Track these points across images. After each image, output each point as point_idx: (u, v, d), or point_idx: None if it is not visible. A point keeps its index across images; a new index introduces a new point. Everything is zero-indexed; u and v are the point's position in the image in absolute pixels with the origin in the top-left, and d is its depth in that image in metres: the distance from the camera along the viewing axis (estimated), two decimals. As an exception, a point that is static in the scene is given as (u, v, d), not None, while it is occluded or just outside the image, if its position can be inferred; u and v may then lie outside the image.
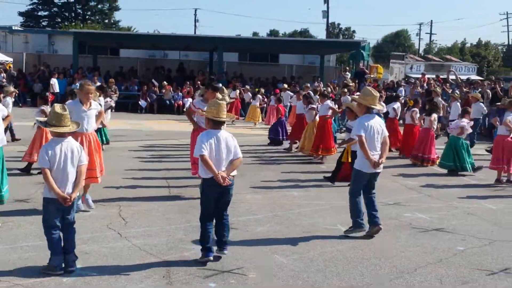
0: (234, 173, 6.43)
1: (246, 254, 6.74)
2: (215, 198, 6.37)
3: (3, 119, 8.47)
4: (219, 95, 9.55)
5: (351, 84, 21.79)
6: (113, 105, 15.67)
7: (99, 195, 9.16)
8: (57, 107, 6.23)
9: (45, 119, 6.51)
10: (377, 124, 7.65)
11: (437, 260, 6.74)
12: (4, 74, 27.24)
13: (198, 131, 9.61)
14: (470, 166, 12.72)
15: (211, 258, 6.38)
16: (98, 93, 11.92)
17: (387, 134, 7.73)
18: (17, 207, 8.53)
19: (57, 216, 6.04)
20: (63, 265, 6.02)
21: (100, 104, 10.79)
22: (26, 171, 11.19)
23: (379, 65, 38.90)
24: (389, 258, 6.80)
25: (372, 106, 7.66)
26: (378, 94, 7.84)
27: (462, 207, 9.54)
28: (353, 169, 7.77)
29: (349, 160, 10.45)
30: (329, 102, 14.34)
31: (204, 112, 6.60)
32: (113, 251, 6.72)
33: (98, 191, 9.28)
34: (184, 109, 27.09)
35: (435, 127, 14.04)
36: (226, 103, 10.67)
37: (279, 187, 10.92)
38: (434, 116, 13.91)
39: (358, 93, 17.64)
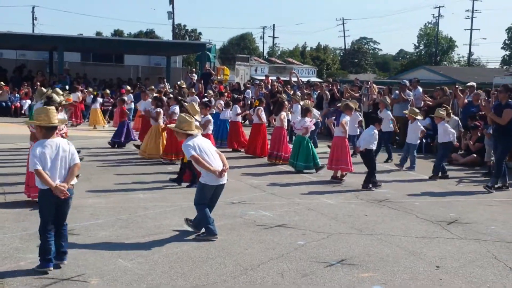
0: (74, 181, 6.18)
1: (88, 260, 6.51)
2: (54, 209, 6.09)
3: None
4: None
5: (183, 86, 21.88)
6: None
7: None
8: None
9: None
10: (204, 142, 7.80)
11: (279, 255, 6.96)
12: None
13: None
14: (313, 164, 13.30)
15: (52, 268, 6.07)
16: None
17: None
18: None
19: None
20: None
21: None
22: None
23: (225, 67, 39.64)
24: (234, 255, 6.91)
25: (189, 132, 7.70)
26: (192, 120, 7.87)
27: (304, 203, 9.96)
28: (199, 183, 7.79)
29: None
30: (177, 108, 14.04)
31: (32, 121, 6.24)
32: None
33: None
34: (23, 111, 25.69)
35: (286, 125, 14.50)
36: (59, 102, 10.28)
37: (124, 190, 10.69)
38: (283, 114, 14.38)
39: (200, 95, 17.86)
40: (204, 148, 7.62)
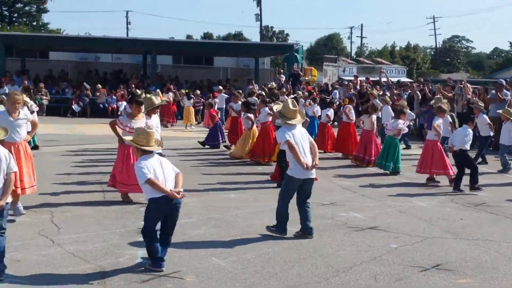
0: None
1: (183, 257, 6.68)
2: (163, 215, 6.31)
3: None
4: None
5: (273, 87, 21.96)
6: (36, 110, 15.08)
7: (30, 201, 8.87)
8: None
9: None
10: (299, 133, 7.74)
11: (371, 258, 6.87)
12: None
13: (123, 145, 9.45)
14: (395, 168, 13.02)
15: (163, 269, 6.22)
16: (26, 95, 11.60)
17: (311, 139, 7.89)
18: None
19: None
20: None
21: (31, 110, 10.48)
22: None
23: (313, 67, 39.49)
24: (325, 257, 6.89)
25: (290, 122, 7.67)
26: (297, 109, 7.89)
27: (395, 206, 9.78)
28: (286, 175, 7.81)
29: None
30: (267, 109, 14.11)
31: (131, 141, 6.48)
32: (46, 259, 6.52)
33: (29, 197, 8.97)
34: (119, 113, 26.69)
35: (375, 128, 14.30)
36: (158, 104, 10.61)
37: (215, 189, 10.90)
38: (374, 117, 14.18)
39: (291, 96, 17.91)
40: (297, 139, 7.63)
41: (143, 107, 9.78)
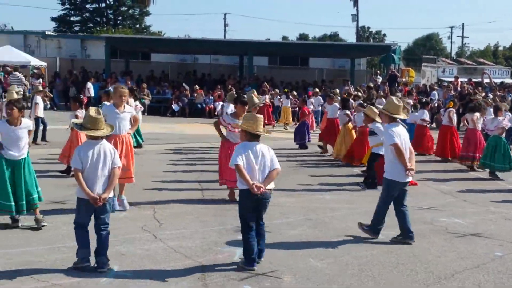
0: (271, 185, 6.41)
1: (280, 257, 6.73)
2: (251, 209, 6.35)
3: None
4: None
5: (372, 86, 21.63)
6: (142, 109, 15.78)
7: (134, 197, 9.23)
8: (92, 111, 6.34)
9: (80, 120, 6.65)
10: (404, 133, 7.68)
11: (474, 266, 6.63)
12: (41, 79, 27.67)
13: (226, 143, 9.63)
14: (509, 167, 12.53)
15: (255, 268, 6.29)
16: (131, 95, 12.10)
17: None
18: (55, 207, 8.67)
19: (88, 215, 6.19)
20: (95, 265, 6.13)
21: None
22: (66, 172, 11.34)
23: (410, 68, 38.58)
24: (425, 263, 6.72)
25: (395, 115, 7.66)
26: (401, 105, 7.83)
27: (500, 212, 9.38)
28: (385, 179, 7.68)
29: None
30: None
31: (241, 125, 6.62)
32: (148, 253, 6.77)
33: (133, 193, 9.36)
34: (216, 113, 27.27)
35: (479, 126, 13.79)
36: (256, 105, 10.76)
37: (311, 190, 10.90)
38: (477, 115, 13.68)
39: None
40: (401, 140, 7.52)
41: (247, 107, 9.92)
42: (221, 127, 9.89)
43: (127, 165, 8.55)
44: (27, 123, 7.78)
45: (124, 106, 8.73)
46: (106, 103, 11.59)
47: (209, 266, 6.41)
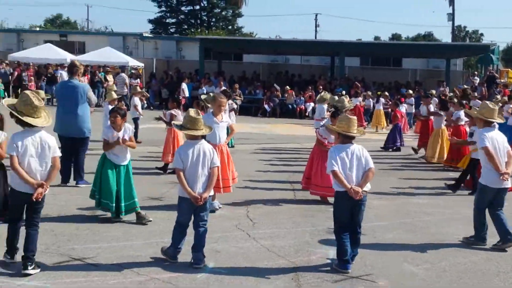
0: (367, 187, 6.33)
1: (375, 260, 6.64)
2: (347, 211, 6.30)
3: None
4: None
5: (467, 87, 20.86)
6: (235, 107, 16.07)
7: (227, 196, 9.37)
8: (192, 111, 6.51)
9: (180, 122, 6.83)
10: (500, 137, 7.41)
11: None
12: (138, 79, 28.70)
13: (318, 148, 9.60)
14: None
15: (349, 271, 6.23)
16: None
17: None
18: (151, 204, 8.96)
19: (190, 213, 6.32)
20: (192, 261, 6.28)
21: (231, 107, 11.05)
22: (163, 170, 11.70)
23: (509, 69, 36.96)
24: (529, 272, 6.42)
25: (490, 119, 7.42)
26: (496, 107, 7.58)
27: None
28: (479, 184, 7.44)
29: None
30: (462, 112, 13.38)
31: (334, 127, 6.60)
32: (242, 251, 6.86)
33: (227, 193, 9.46)
34: (307, 114, 27.28)
35: None
36: (348, 108, 10.67)
37: (404, 193, 10.69)
38: None
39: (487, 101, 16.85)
40: (495, 144, 7.27)
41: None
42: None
43: (223, 175, 8.62)
44: (128, 128, 8.10)
45: (222, 116, 8.83)
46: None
47: (302, 266, 6.42)
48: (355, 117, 6.64)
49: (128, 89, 25.94)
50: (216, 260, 6.47)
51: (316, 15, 79.69)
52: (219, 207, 8.78)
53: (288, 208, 9.15)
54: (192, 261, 6.29)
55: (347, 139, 6.39)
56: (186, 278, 5.92)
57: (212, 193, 6.61)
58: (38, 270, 5.85)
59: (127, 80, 27.14)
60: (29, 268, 5.79)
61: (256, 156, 14.96)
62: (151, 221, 7.91)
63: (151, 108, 27.43)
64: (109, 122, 8.13)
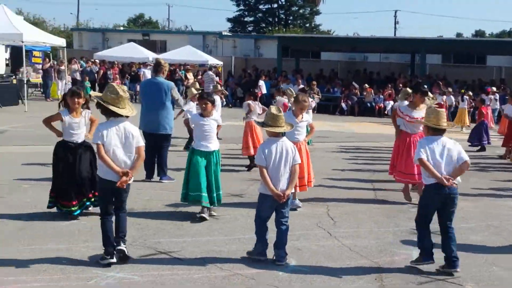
0: (458, 180, 6.15)
1: (462, 262, 6.38)
2: (435, 206, 6.15)
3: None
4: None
5: None
6: (313, 105, 16.04)
7: (307, 194, 9.35)
8: (273, 108, 6.53)
9: (261, 119, 6.87)
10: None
11: None
12: (218, 77, 29.13)
13: (403, 134, 9.44)
14: None
15: (433, 262, 6.09)
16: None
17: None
18: (233, 200, 9.07)
19: (270, 211, 6.35)
20: (274, 258, 6.29)
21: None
22: (250, 167, 11.84)
23: None
24: None
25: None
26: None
27: None
28: None
29: None
30: None
31: (423, 121, 6.46)
32: (324, 249, 6.83)
33: (308, 190, 9.41)
34: (386, 112, 26.84)
35: None
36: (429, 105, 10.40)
37: (490, 195, 10.33)
38: None
39: None
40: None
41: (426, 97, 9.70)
42: (397, 118, 9.70)
43: (301, 173, 8.59)
44: (216, 116, 8.26)
45: (302, 116, 8.81)
46: (279, 98, 11.94)
47: (385, 267, 6.31)
48: (443, 110, 6.47)
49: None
50: (298, 258, 6.47)
51: (395, 12, 78.37)
52: (300, 206, 8.77)
53: (369, 208, 9.03)
54: (274, 258, 6.32)
55: (437, 131, 6.24)
56: (269, 275, 5.95)
57: (293, 190, 6.61)
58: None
59: (215, 78, 27.62)
60: (122, 244, 6.05)
61: (335, 154, 14.86)
62: (215, 215, 8.03)
63: (230, 106, 27.74)
64: (195, 110, 8.31)
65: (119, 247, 6.04)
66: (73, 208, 7.59)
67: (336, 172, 12.06)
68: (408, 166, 9.03)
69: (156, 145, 10.22)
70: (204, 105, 8.11)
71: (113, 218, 6.14)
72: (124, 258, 6.05)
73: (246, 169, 11.82)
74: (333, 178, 11.32)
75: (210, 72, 27.69)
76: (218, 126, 8.37)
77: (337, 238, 7.31)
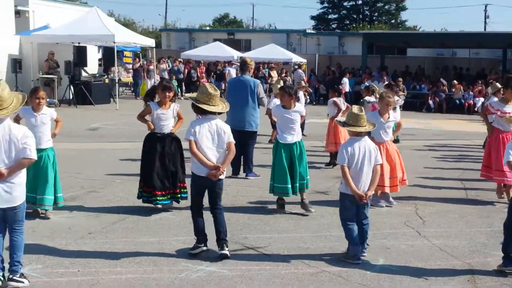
0: None
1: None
2: None
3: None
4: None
5: None
6: (401, 103, 15.76)
7: (395, 192, 9.17)
8: (355, 108, 6.47)
9: (343, 118, 6.81)
10: None
11: None
12: (304, 75, 29.13)
13: (495, 131, 9.09)
14: None
15: None
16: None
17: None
18: (319, 198, 9.04)
19: (352, 210, 6.28)
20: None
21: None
22: (331, 165, 11.80)
23: None
24: None
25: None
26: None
27: None
28: None
29: None
30: None
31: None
32: (413, 249, 6.69)
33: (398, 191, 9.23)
34: (476, 109, 25.93)
35: None
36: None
37: None
38: None
39: None
40: None
41: None
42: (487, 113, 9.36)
43: (392, 173, 8.51)
44: (299, 107, 8.32)
45: (388, 115, 8.63)
46: (368, 98, 11.79)
47: (478, 268, 6.12)
48: None
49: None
50: (386, 257, 6.37)
51: (485, 6, 75.38)
52: (386, 206, 8.62)
53: (460, 207, 8.75)
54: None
55: None
56: (356, 273, 5.89)
57: (373, 192, 6.51)
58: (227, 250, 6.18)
59: (304, 76, 27.75)
60: (225, 248, 6.18)
61: (423, 152, 14.51)
62: (312, 212, 8.03)
63: (313, 103, 27.67)
64: (277, 101, 8.39)
65: (222, 252, 6.17)
66: (159, 198, 7.82)
67: (425, 170, 11.76)
68: (501, 164, 8.69)
69: (242, 142, 10.31)
70: (283, 97, 8.20)
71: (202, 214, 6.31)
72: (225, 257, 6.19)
73: (326, 166, 11.76)
74: (422, 177, 11.02)
75: (300, 71, 27.83)
76: (301, 116, 8.37)
77: (426, 237, 7.14)
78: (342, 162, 6.25)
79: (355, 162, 6.21)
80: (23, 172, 5.21)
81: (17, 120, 7.11)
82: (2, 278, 5.13)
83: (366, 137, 6.43)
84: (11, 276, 5.17)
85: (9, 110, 5.04)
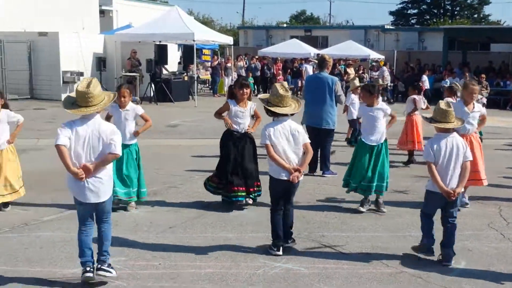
0: None
1: None
2: None
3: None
4: None
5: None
6: (484, 101, 15.24)
7: (478, 192, 8.90)
8: (442, 104, 6.28)
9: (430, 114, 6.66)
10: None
11: None
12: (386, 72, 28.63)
13: None
14: None
15: None
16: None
17: None
18: (397, 197, 8.90)
19: (436, 208, 6.16)
20: (440, 258, 6.11)
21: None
22: (408, 162, 11.62)
23: None
24: None
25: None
26: None
27: None
28: None
29: None
30: None
31: None
32: (497, 251, 6.49)
33: (478, 189, 8.95)
34: None
35: None
36: None
37: None
38: None
39: None
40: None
41: None
42: None
43: (475, 167, 8.17)
44: (382, 104, 8.29)
45: (473, 105, 8.32)
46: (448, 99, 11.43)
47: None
48: None
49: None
50: (467, 259, 6.21)
51: None
52: (467, 204, 8.38)
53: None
54: (441, 258, 6.11)
55: None
56: (437, 275, 5.77)
57: (462, 189, 6.34)
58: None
59: (386, 73, 27.44)
60: (288, 241, 6.32)
61: (506, 152, 13.99)
62: (384, 212, 7.94)
63: (391, 101, 27.16)
64: (357, 102, 8.33)
65: (286, 245, 6.25)
66: (237, 194, 7.94)
67: (509, 171, 11.33)
68: None
69: (319, 140, 10.29)
70: (364, 95, 8.28)
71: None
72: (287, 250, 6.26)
73: (404, 164, 11.55)
74: (505, 177, 10.66)
75: (385, 68, 27.47)
76: (391, 117, 8.44)
77: (511, 240, 6.90)
78: (428, 158, 6.11)
79: (442, 158, 6.06)
80: (110, 167, 5.41)
81: (108, 118, 7.42)
82: (92, 269, 5.33)
83: (455, 133, 6.25)
84: (99, 266, 5.36)
85: (98, 107, 5.24)
